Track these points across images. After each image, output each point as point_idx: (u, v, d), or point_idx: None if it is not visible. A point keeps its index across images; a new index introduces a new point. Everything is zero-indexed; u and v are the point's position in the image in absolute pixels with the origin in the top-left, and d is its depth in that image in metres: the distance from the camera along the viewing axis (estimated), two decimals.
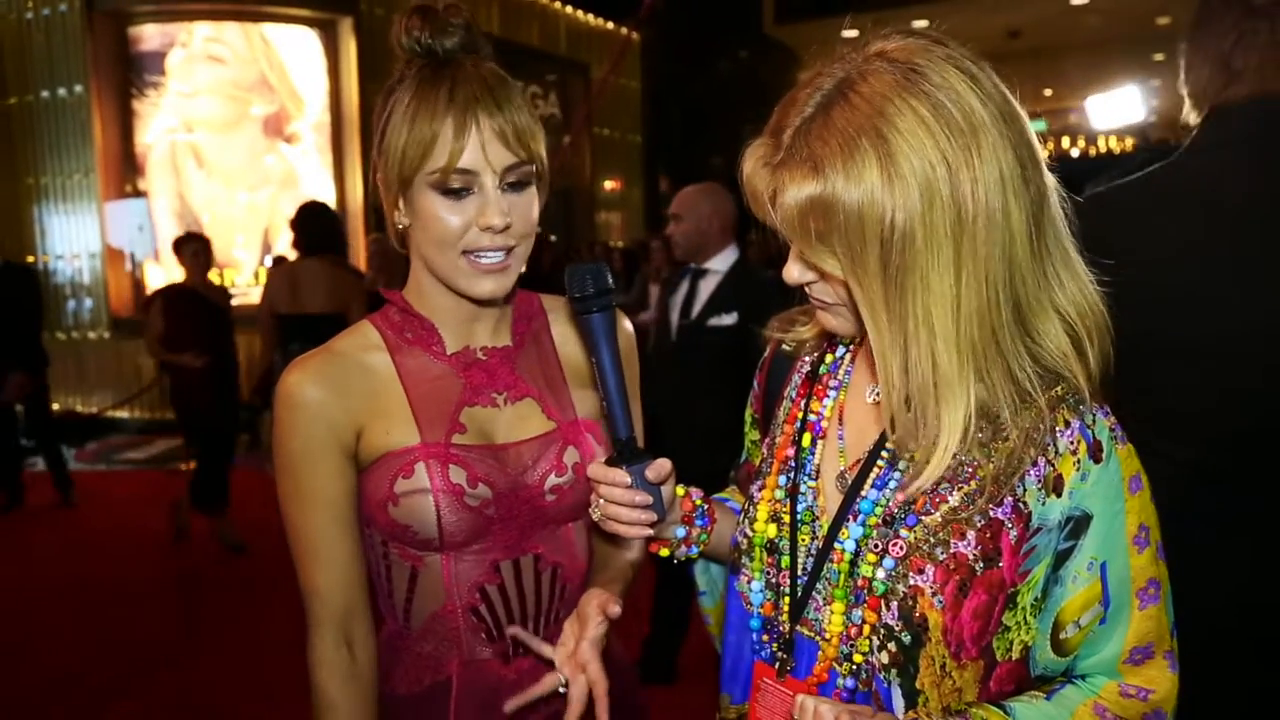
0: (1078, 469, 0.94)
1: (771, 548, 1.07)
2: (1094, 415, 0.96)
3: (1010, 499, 0.94)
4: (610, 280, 1.09)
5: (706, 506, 1.20)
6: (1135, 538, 0.96)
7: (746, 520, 1.11)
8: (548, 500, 1.21)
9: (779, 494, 1.09)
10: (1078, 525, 0.94)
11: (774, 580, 1.07)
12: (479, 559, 1.19)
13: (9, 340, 5.93)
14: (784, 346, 1.20)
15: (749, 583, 1.09)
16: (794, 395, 1.15)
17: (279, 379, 1.16)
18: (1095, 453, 0.94)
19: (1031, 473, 0.94)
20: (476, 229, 1.11)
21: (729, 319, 3.21)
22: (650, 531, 1.10)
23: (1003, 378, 0.91)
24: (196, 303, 5.23)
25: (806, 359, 1.16)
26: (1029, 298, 0.92)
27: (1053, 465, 0.94)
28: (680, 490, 1.17)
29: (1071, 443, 0.94)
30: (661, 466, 1.08)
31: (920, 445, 0.92)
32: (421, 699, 1.21)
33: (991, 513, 0.94)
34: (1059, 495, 0.94)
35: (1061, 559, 0.95)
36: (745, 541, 1.10)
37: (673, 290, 3.47)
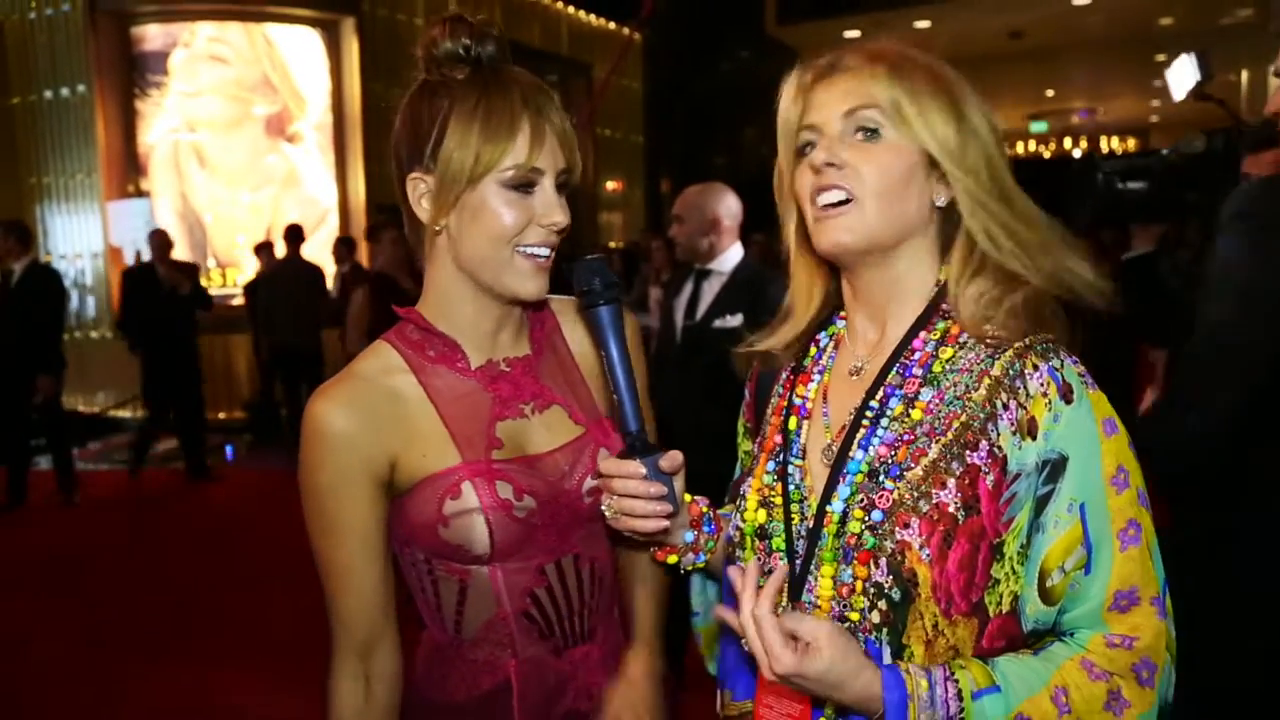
0: (1049, 410, 0.97)
1: (762, 533, 1.09)
2: (1062, 360, 1.00)
3: (985, 444, 0.98)
4: (614, 275, 1.12)
5: (712, 514, 1.20)
6: (1113, 478, 0.98)
7: (738, 513, 1.13)
8: (586, 502, 1.23)
9: (768, 479, 1.11)
10: (1055, 468, 0.97)
11: (766, 565, 1.08)
12: (525, 565, 1.21)
13: (35, 341, 5.99)
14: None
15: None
16: (780, 390, 1.18)
17: (306, 407, 1.16)
18: (1066, 394, 0.98)
19: (1004, 416, 0.98)
20: (536, 225, 1.15)
21: (734, 320, 3.18)
22: (667, 523, 1.10)
23: (991, 248, 1.03)
24: (398, 291, 5.05)
25: (792, 360, 1.19)
26: (1011, 205, 1.04)
27: (1024, 408, 0.98)
28: (687, 497, 1.18)
29: (1042, 385, 0.98)
30: (675, 457, 1.09)
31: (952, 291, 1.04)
32: (483, 702, 1.23)
33: (968, 458, 0.98)
34: (1033, 438, 0.97)
35: (1042, 504, 0.98)
36: (738, 534, 1.12)
37: (676, 292, 3.45)
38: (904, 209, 1.03)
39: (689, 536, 1.17)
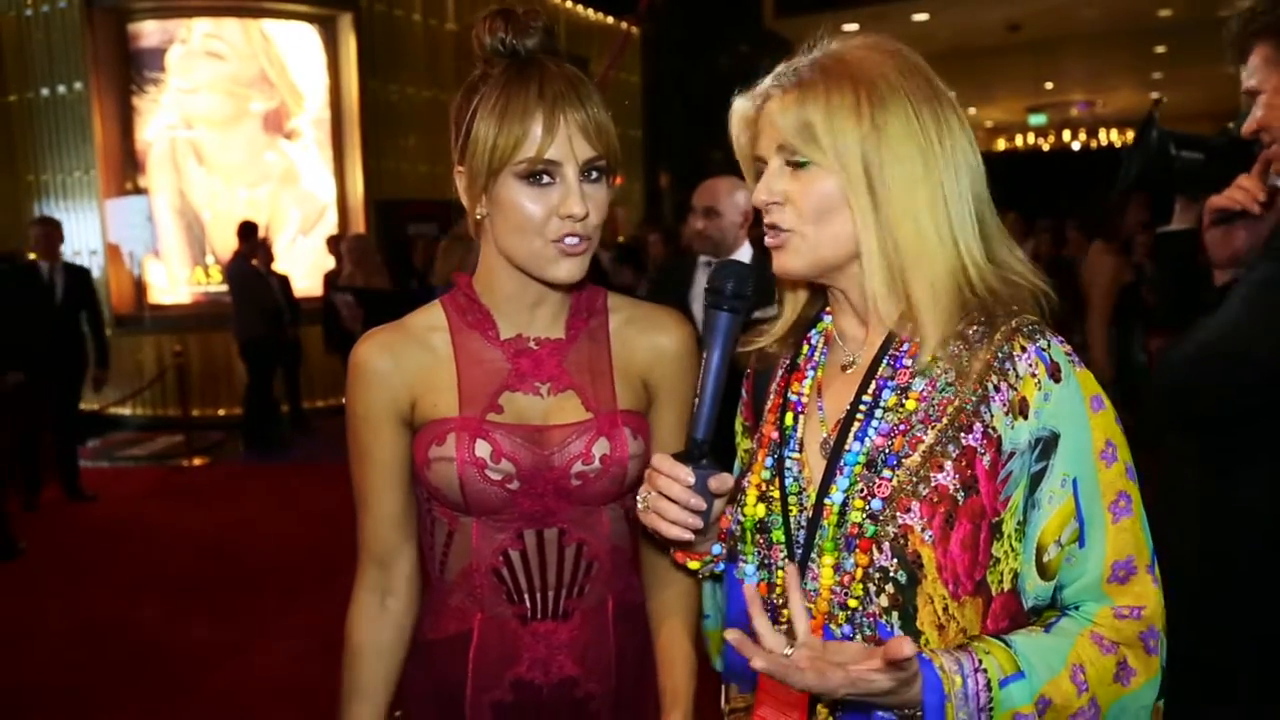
0: (1039, 389, 1.00)
1: (761, 527, 1.10)
2: (1049, 341, 1.02)
3: (979, 425, 1.00)
4: (749, 288, 1.09)
5: None
6: (1102, 452, 1.01)
7: (738, 507, 1.13)
8: (573, 484, 1.27)
9: (765, 474, 1.11)
10: (1047, 445, 1.00)
11: (766, 559, 1.09)
12: (504, 525, 1.28)
13: (81, 337, 6.24)
14: (769, 349, 1.23)
15: (744, 566, 1.11)
16: (776, 388, 1.18)
17: (352, 349, 1.31)
18: (1054, 373, 1.00)
19: (995, 398, 1.00)
20: (558, 218, 1.18)
21: (771, 310, 3.16)
22: (690, 536, 1.07)
23: (976, 272, 1.02)
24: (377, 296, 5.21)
25: (786, 357, 1.20)
26: (990, 224, 1.05)
27: (1015, 389, 1.00)
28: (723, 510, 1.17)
29: (1030, 365, 1.00)
30: (725, 480, 1.07)
31: (918, 306, 1.02)
32: (446, 644, 1.33)
33: (963, 440, 1.00)
34: (1025, 417, 1.00)
35: (1036, 481, 1.00)
36: (738, 528, 1.12)
37: (686, 284, 3.39)
38: (843, 230, 1.04)
39: (717, 549, 1.17)
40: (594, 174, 1.20)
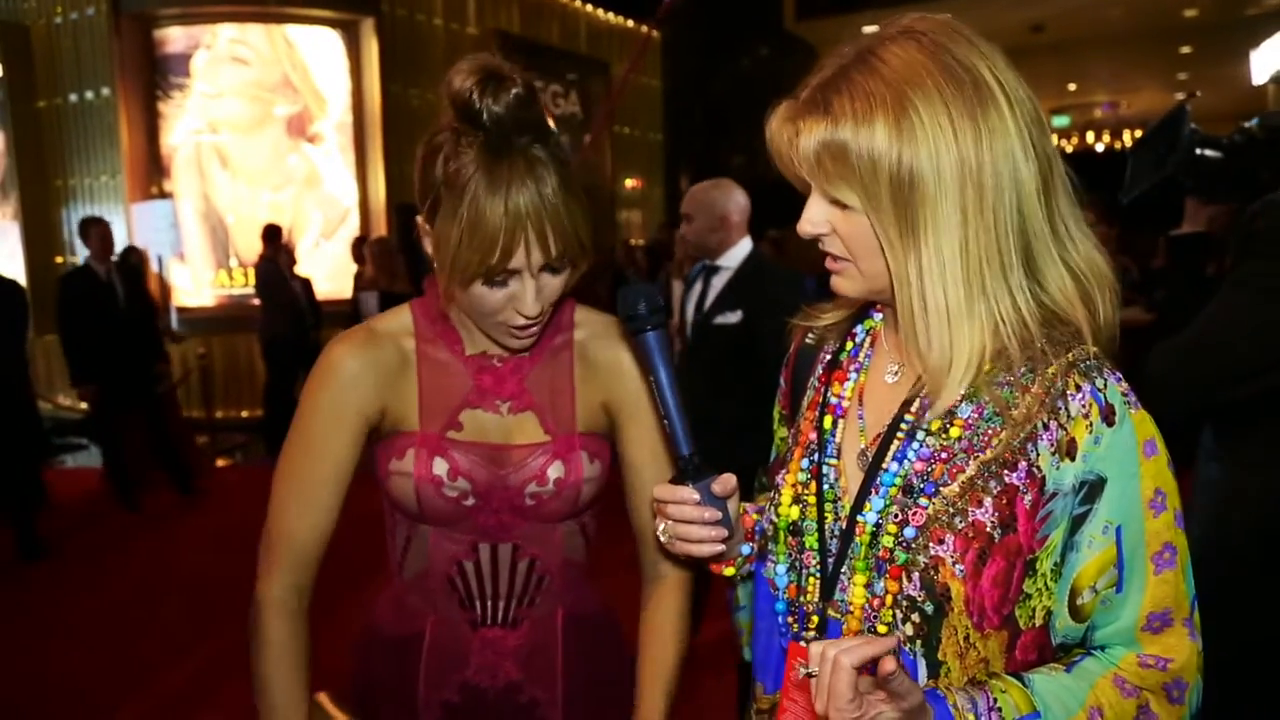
0: (1090, 432, 0.95)
1: (795, 529, 1.09)
2: (1105, 380, 0.97)
3: (1024, 464, 0.95)
4: (661, 300, 1.10)
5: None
6: (1150, 501, 0.96)
7: (772, 506, 1.12)
8: (528, 504, 1.29)
9: (802, 476, 1.10)
10: (1092, 489, 0.95)
11: (798, 562, 1.08)
12: (460, 537, 1.31)
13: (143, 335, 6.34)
14: (808, 340, 1.22)
15: (774, 567, 1.11)
16: (816, 383, 1.16)
17: (326, 348, 1.29)
18: (1108, 416, 0.95)
19: (1044, 437, 0.95)
20: (512, 309, 1.20)
21: (733, 317, 3.19)
22: (722, 547, 1.09)
23: (1016, 323, 0.96)
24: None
25: (828, 349, 1.18)
26: (1039, 249, 0.97)
27: (1065, 429, 0.95)
28: (742, 507, 1.17)
29: (1083, 406, 0.95)
30: (727, 480, 1.07)
31: (931, 372, 0.98)
32: (401, 642, 1.36)
33: (1006, 478, 0.95)
34: (1072, 459, 0.95)
35: (1077, 524, 0.96)
36: (771, 527, 1.11)
37: (689, 286, 3.48)
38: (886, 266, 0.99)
39: (746, 549, 1.16)
40: (556, 268, 1.19)
